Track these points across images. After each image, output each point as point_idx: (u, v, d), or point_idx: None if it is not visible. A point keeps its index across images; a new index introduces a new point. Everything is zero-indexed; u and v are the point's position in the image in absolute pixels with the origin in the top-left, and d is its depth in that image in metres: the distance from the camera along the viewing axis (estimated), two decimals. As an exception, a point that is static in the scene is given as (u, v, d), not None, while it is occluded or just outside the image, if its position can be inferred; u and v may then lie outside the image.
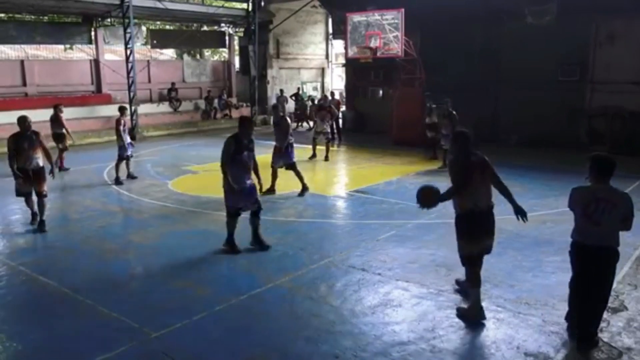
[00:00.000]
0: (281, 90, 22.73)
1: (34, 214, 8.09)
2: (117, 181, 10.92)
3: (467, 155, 4.87)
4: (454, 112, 11.80)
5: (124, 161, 11.17)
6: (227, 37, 24.80)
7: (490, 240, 5.02)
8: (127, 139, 11.13)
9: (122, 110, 11.28)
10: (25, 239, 7.51)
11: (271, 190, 9.79)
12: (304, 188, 9.84)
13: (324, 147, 13.62)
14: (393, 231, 7.58)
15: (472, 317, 4.85)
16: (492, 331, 4.70)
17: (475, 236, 4.86)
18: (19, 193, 7.98)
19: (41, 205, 7.91)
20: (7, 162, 7.70)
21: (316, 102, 18.80)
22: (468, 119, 16.12)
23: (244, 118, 7.06)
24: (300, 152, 14.17)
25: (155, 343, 4.53)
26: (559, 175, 11.29)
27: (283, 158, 9.94)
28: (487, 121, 16.28)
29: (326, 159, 13.50)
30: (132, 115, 18.25)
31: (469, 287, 4.98)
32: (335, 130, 17.52)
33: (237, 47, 25.35)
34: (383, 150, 14.50)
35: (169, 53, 28.41)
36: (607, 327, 4.73)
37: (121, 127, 10.98)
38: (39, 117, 17.03)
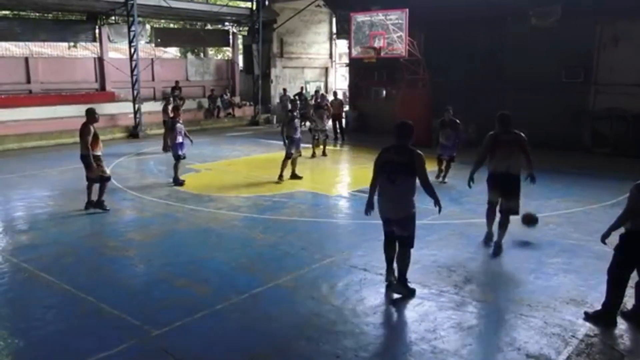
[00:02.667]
0: (284, 90, 22.75)
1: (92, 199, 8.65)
2: (176, 182, 10.63)
3: (497, 133, 6.65)
4: (458, 121, 10.85)
5: (180, 160, 10.80)
6: (231, 36, 24.78)
7: (510, 201, 6.62)
8: (180, 139, 10.72)
9: (176, 109, 11.10)
10: (28, 236, 7.53)
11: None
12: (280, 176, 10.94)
13: (322, 145, 14.17)
14: (395, 231, 7.56)
15: (487, 241, 6.91)
16: (494, 332, 4.70)
17: (491, 189, 6.82)
18: (100, 179, 8.58)
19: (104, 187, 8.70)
20: (83, 149, 8.36)
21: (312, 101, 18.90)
22: (471, 120, 16.22)
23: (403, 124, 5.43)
24: (306, 151, 14.20)
25: (156, 341, 4.54)
26: (561, 177, 11.25)
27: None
28: (491, 122, 16.21)
29: (324, 154, 14.07)
30: (135, 113, 18.31)
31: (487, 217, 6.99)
32: (338, 130, 17.55)
33: (240, 46, 25.36)
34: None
35: (173, 51, 28.43)
36: (609, 329, 4.72)
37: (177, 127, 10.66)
38: (43, 114, 17.22)
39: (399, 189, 5.24)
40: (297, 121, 11.13)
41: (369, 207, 5.50)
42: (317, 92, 16.04)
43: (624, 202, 5.02)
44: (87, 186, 8.70)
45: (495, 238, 6.83)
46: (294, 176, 11.11)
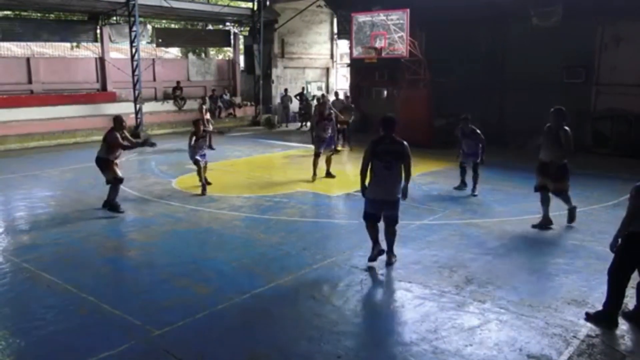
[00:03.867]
0: (285, 90, 22.76)
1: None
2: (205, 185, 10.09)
3: (561, 125, 7.40)
4: (478, 131, 10.05)
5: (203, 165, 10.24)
6: (232, 36, 24.80)
7: (553, 183, 7.61)
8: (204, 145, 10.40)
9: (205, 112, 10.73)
10: (30, 236, 7.53)
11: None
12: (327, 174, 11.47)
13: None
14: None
15: (544, 224, 7.65)
16: (495, 333, 4.69)
17: (539, 175, 7.80)
18: (113, 180, 8.62)
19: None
20: (102, 153, 8.53)
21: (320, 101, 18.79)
22: (473, 120, 16.20)
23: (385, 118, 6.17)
24: (307, 151, 14.20)
25: (157, 341, 4.54)
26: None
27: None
28: (492, 122, 16.25)
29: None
30: (136, 113, 18.32)
31: (541, 203, 7.76)
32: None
33: (242, 46, 25.37)
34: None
35: (174, 52, 28.45)
36: (610, 329, 4.72)
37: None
38: (44, 114, 17.25)
39: (393, 174, 5.99)
40: (326, 121, 11.37)
41: (365, 190, 6.14)
42: (336, 93, 16.30)
43: (625, 202, 5.01)
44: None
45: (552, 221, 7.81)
46: (329, 174, 11.41)
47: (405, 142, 5.98)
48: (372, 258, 6.26)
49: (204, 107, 15.64)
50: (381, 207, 6.10)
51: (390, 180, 5.98)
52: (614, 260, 4.80)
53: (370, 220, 6.25)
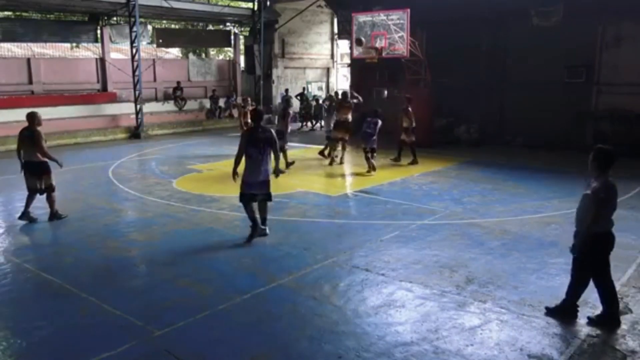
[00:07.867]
0: (286, 90, 22.75)
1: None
2: None
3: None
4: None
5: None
6: (232, 37, 24.81)
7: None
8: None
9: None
10: (30, 236, 7.55)
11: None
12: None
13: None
14: (397, 232, 7.57)
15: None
16: (496, 332, 4.69)
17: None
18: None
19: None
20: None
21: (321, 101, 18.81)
22: (473, 120, 16.23)
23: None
24: (308, 151, 14.17)
25: (158, 341, 4.54)
26: (563, 177, 11.25)
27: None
28: (493, 122, 16.25)
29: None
30: (137, 114, 18.33)
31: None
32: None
33: (242, 47, 25.38)
34: (387, 151, 14.47)
35: (175, 52, 28.46)
36: (611, 329, 4.72)
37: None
38: (44, 115, 17.20)
39: (264, 158, 7.01)
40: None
41: (236, 174, 7.09)
42: (344, 93, 16.04)
43: (625, 202, 5.02)
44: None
45: None
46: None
47: (272, 130, 7.19)
48: (251, 237, 7.11)
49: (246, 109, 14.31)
50: (255, 187, 7.02)
51: (264, 163, 7.00)
52: (579, 262, 4.85)
53: (247, 200, 7.08)
